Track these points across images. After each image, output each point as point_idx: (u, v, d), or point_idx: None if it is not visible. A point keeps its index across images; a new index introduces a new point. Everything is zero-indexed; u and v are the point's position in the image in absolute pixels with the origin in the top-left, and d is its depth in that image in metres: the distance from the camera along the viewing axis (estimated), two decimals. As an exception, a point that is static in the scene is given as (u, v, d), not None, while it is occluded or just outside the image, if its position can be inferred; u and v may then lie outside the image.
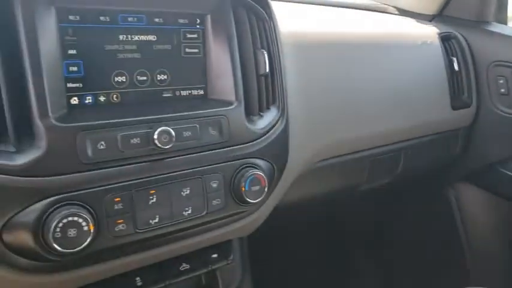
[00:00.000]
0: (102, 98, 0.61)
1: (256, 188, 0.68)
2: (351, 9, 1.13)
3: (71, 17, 0.57)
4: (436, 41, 1.03)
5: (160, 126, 0.59)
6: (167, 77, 0.66)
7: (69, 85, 0.59)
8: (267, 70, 0.72)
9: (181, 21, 0.66)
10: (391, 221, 1.29)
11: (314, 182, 0.95)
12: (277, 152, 0.75)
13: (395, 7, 1.18)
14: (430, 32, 1.06)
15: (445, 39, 1.05)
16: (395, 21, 1.13)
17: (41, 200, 0.52)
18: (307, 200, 0.99)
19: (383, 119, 0.95)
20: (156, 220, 0.60)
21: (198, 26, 0.68)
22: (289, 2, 1.06)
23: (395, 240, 1.30)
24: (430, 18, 1.16)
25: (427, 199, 1.22)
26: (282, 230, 1.20)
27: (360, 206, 1.30)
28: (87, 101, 0.60)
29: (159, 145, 0.59)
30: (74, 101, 0.59)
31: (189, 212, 0.64)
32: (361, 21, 1.08)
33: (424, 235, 1.22)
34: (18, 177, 0.51)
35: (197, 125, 0.63)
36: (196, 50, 0.68)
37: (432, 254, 1.21)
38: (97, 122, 0.56)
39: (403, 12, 1.18)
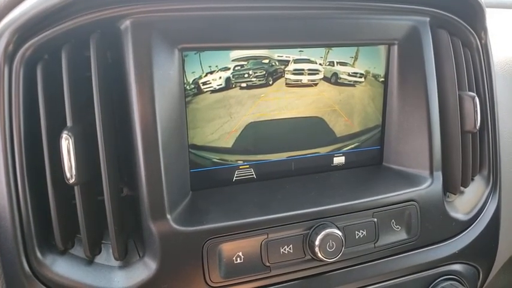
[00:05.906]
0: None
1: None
2: None
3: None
4: None
5: (324, 228, 0.38)
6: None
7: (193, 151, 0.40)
8: (478, 124, 0.46)
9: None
10: None
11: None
12: (486, 248, 0.49)
13: None
14: None
15: None
16: None
17: None
18: None
19: None
20: None
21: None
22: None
23: None
24: None
25: None
26: None
27: None
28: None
29: (323, 257, 0.38)
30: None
31: None
32: None
33: None
34: None
35: (375, 220, 0.41)
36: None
37: None
38: (233, 223, 0.37)
39: None
